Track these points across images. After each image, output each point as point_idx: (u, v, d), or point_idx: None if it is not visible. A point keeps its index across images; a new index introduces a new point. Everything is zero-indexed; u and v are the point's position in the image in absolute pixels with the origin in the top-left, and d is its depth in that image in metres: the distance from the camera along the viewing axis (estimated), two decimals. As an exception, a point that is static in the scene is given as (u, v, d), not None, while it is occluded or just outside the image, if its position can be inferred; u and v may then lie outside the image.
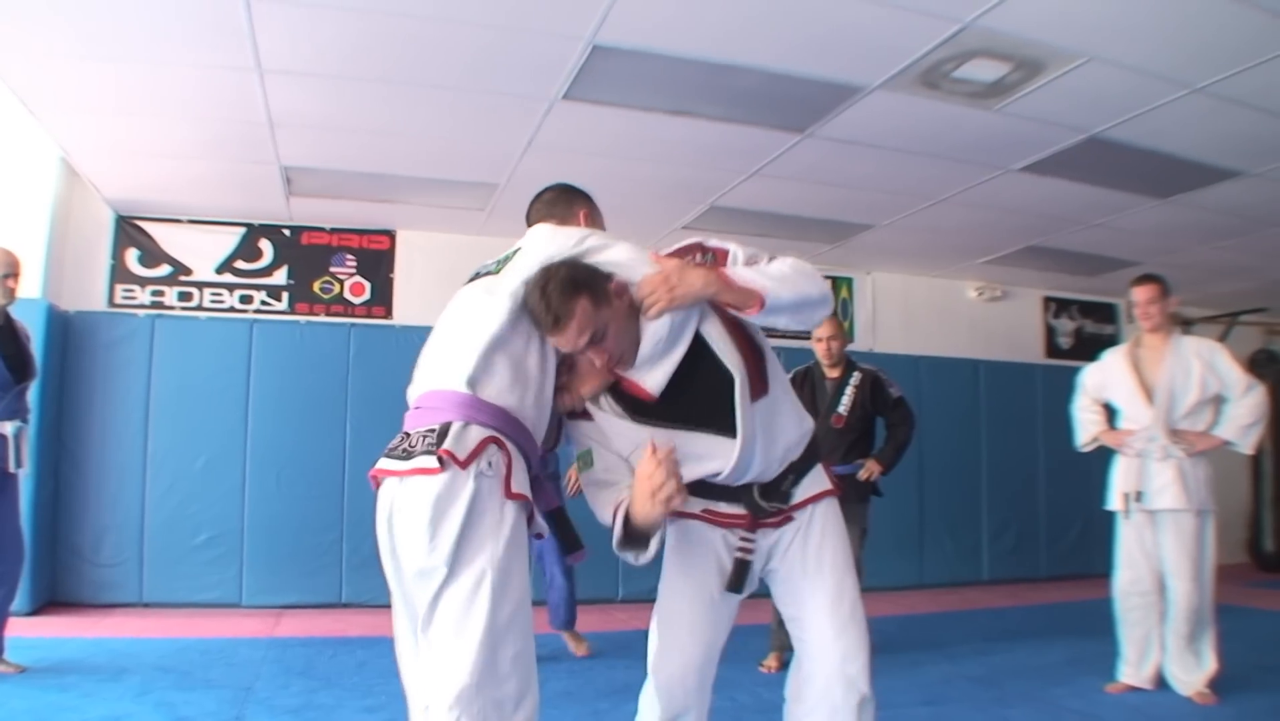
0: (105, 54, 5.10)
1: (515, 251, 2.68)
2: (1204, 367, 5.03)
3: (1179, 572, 4.95)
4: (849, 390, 5.83)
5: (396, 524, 2.39)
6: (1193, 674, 5.00)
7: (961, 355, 10.26)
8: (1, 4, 4.52)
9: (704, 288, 2.45)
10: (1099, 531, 10.23)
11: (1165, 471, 5.02)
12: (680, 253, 2.63)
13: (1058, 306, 11.12)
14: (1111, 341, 11.16)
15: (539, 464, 2.58)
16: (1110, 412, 5.47)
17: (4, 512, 5.19)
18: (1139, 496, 5.10)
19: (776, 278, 2.52)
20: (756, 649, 5.74)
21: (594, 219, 2.96)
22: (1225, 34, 4.67)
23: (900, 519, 9.10)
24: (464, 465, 2.30)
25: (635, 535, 2.53)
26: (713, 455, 2.58)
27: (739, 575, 2.67)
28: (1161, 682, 5.13)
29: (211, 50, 5.03)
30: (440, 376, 2.48)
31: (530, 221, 2.98)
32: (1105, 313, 11.34)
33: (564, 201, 2.96)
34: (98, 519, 7.43)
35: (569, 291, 2.39)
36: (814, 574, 2.69)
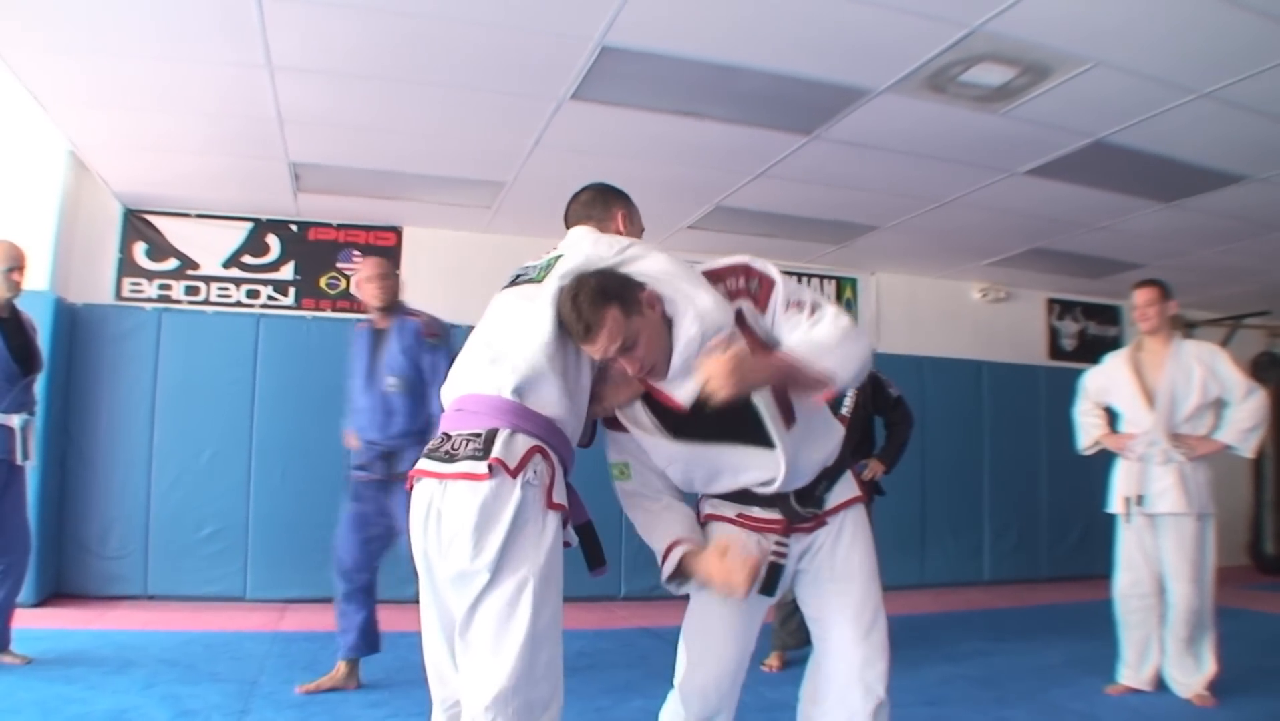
0: (116, 49, 5.13)
1: (557, 257, 2.67)
2: (1205, 372, 5.05)
3: (1179, 575, 4.97)
4: (850, 391, 5.85)
5: (435, 527, 2.42)
6: (1192, 676, 5.02)
7: (965, 356, 10.27)
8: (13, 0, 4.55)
9: (767, 381, 2.44)
10: (1100, 533, 10.22)
11: (1166, 475, 5.04)
12: (724, 273, 2.65)
13: (1062, 308, 11.14)
14: (1115, 344, 11.15)
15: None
16: (1111, 416, 5.49)
17: (10, 505, 5.23)
18: (1140, 500, 5.12)
19: (834, 352, 2.41)
20: (758, 648, 5.74)
21: (631, 219, 2.98)
22: (1230, 40, 4.69)
23: (902, 518, 9.10)
24: (514, 474, 2.34)
25: (685, 575, 2.64)
26: (749, 466, 2.62)
27: (772, 579, 2.69)
28: (1161, 685, 5.15)
29: (222, 46, 5.06)
30: (484, 380, 2.49)
31: (569, 222, 2.98)
32: (1109, 315, 11.35)
33: (601, 202, 2.96)
34: (103, 511, 7.46)
35: (599, 300, 2.41)
36: (841, 579, 2.73)
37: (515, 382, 2.43)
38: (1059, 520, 10.24)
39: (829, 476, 2.74)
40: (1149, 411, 5.15)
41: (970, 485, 9.99)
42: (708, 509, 2.82)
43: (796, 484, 2.66)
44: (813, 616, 2.81)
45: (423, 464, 2.48)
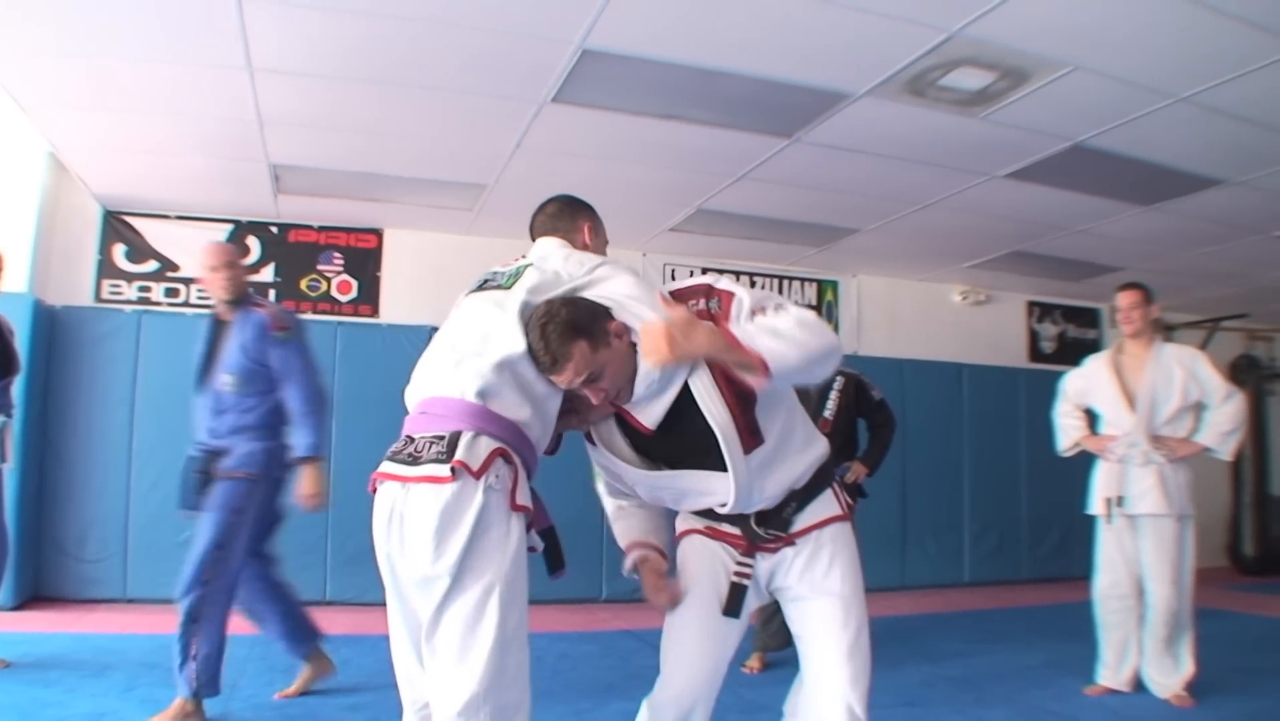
0: (96, 50, 5.11)
1: (526, 266, 2.67)
2: (1185, 375, 5.09)
3: (1158, 576, 5.01)
4: (834, 394, 5.87)
5: (398, 530, 2.41)
6: (1170, 677, 5.06)
7: (945, 359, 10.31)
8: (-9, 0, 4.53)
9: (707, 349, 2.38)
10: (1080, 535, 10.28)
11: (1146, 477, 5.08)
12: (686, 293, 2.58)
13: (1041, 311, 11.19)
14: (1095, 346, 11.25)
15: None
16: (1092, 418, 5.53)
17: (-11, 508, 5.20)
18: (1120, 501, 5.16)
19: (784, 337, 2.38)
20: (739, 650, 5.76)
21: (597, 232, 2.97)
22: (1208, 46, 4.73)
23: (883, 521, 9.13)
24: (477, 476, 2.34)
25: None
26: (714, 491, 2.60)
27: (734, 599, 2.70)
28: (1139, 685, 5.18)
29: (202, 48, 5.05)
30: (448, 384, 2.49)
31: (534, 234, 2.98)
32: (1088, 317, 11.41)
33: (568, 215, 2.96)
34: (82, 514, 7.43)
35: (568, 335, 2.41)
36: (822, 597, 2.69)
37: (479, 386, 2.43)
38: (1039, 522, 10.29)
39: (798, 498, 2.70)
40: (1130, 414, 5.19)
41: (951, 487, 10.03)
42: (681, 524, 2.86)
43: (752, 507, 2.65)
44: (798, 635, 2.78)
45: (385, 466, 2.47)
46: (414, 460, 2.39)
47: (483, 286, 2.72)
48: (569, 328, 2.41)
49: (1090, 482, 5.43)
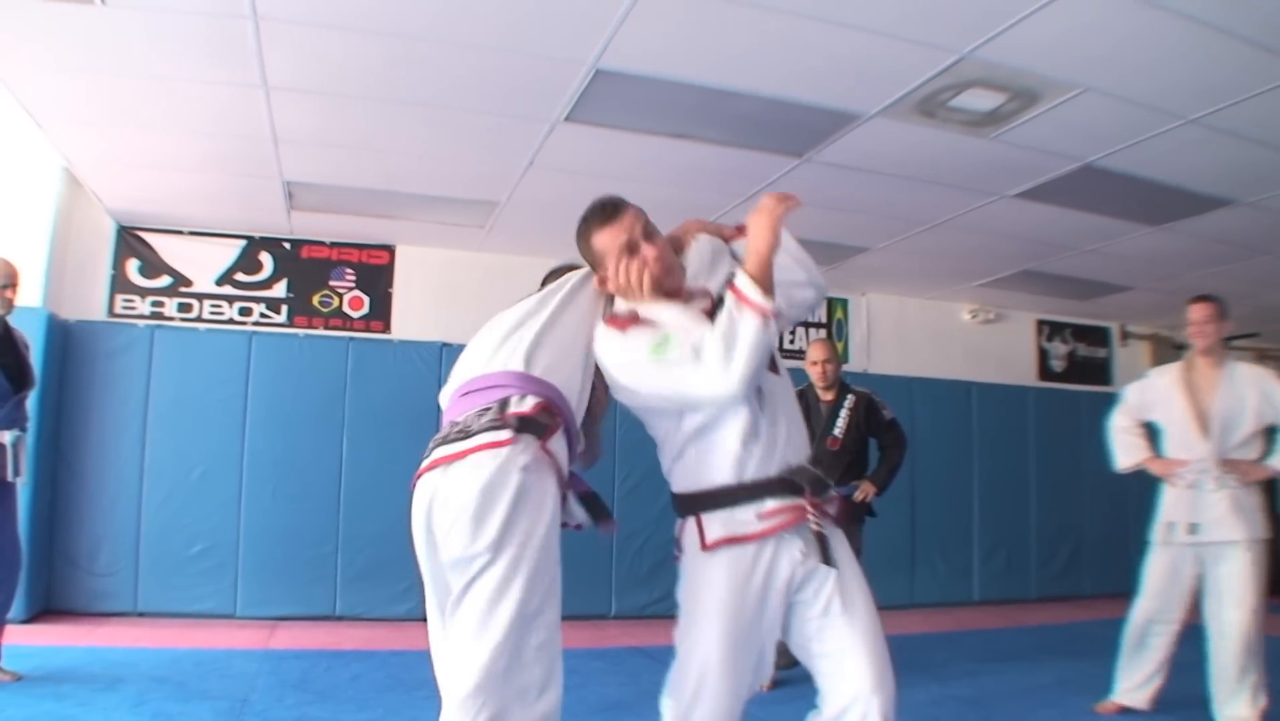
0: (112, 68, 5.16)
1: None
2: (1259, 398, 4.87)
3: (1238, 603, 4.76)
4: (844, 412, 5.89)
5: (439, 514, 2.41)
6: (1246, 710, 4.74)
7: (955, 377, 10.31)
8: (9, 17, 4.57)
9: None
10: (1089, 554, 10.35)
11: (1220, 502, 4.85)
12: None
13: (1051, 330, 11.18)
14: (1104, 365, 11.27)
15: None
16: (1150, 433, 5.32)
17: (2, 521, 5.21)
18: (1192, 528, 4.92)
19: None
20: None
21: None
22: (1217, 68, 4.75)
23: (892, 539, 9.13)
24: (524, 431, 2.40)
25: None
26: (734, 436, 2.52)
27: (825, 548, 2.53)
28: (1159, 705, 5.06)
29: (218, 66, 5.09)
30: (490, 362, 2.55)
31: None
32: (1098, 336, 11.41)
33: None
34: (94, 528, 7.45)
35: (620, 201, 2.65)
36: (848, 610, 2.53)
37: (524, 352, 2.50)
38: (1048, 541, 10.27)
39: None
40: (1202, 438, 4.96)
41: (960, 505, 10.01)
42: (716, 530, 2.54)
43: (778, 451, 2.58)
44: (818, 653, 2.57)
45: (437, 452, 2.46)
46: (465, 434, 2.41)
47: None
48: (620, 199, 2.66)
49: (1156, 505, 5.18)
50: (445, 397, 2.64)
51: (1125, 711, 5.14)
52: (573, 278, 2.75)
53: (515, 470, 2.34)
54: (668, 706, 2.61)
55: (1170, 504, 5.09)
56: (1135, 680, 5.15)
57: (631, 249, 2.59)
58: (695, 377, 2.39)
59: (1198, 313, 5.08)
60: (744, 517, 2.52)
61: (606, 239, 2.61)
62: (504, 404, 2.42)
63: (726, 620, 2.49)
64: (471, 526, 2.32)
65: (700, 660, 2.52)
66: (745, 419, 2.51)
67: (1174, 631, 5.03)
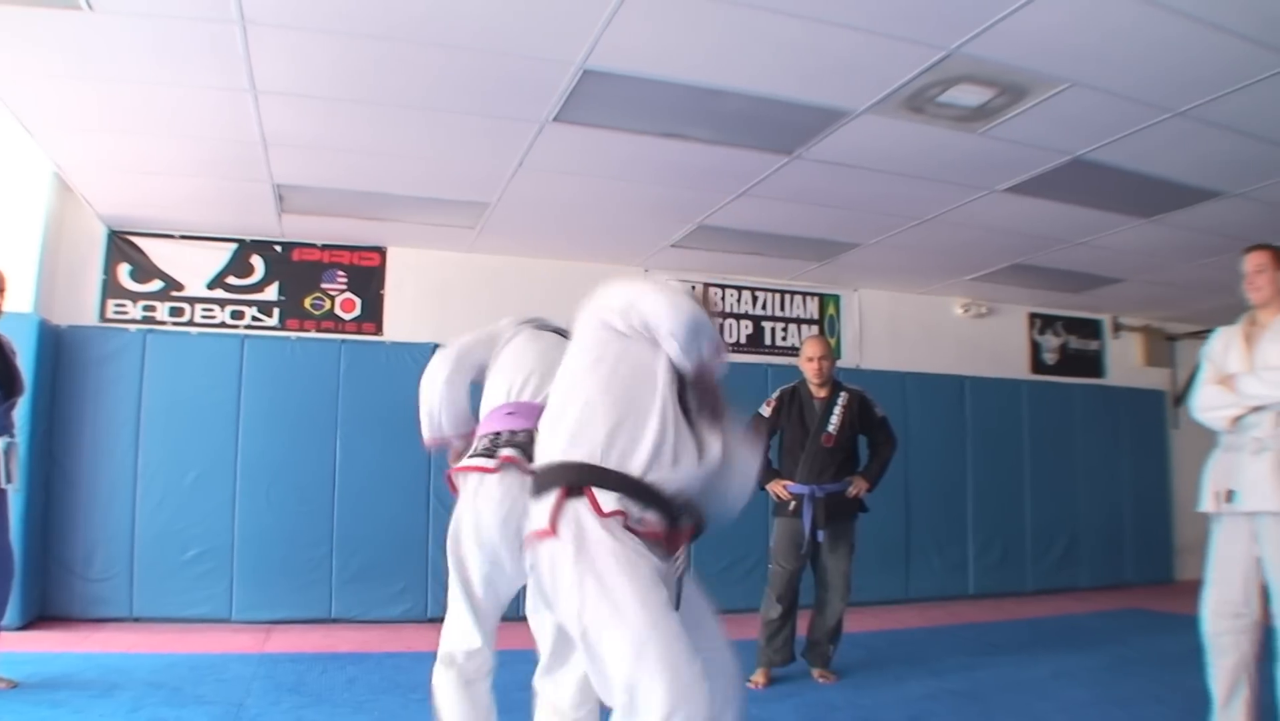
0: (103, 74, 5.15)
1: None
2: None
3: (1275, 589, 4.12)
4: (838, 409, 5.91)
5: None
6: None
7: (948, 371, 10.33)
8: (-1, 24, 4.57)
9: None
10: (1085, 546, 10.39)
11: (1258, 465, 4.20)
12: None
13: (1043, 323, 11.20)
14: (1096, 357, 11.32)
15: None
16: None
17: (-5, 528, 5.22)
18: (1230, 496, 4.29)
19: None
20: (744, 665, 5.77)
21: None
22: (1205, 60, 4.76)
23: (886, 534, 9.15)
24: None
25: None
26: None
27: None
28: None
29: (207, 71, 5.09)
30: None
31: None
32: (1090, 329, 11.43)
33: None
34: (88, 533, 7.44)
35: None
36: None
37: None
38: (1043, 534, 10.30)
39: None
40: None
41: (954, 499, 10.03)
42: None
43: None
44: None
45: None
46: None
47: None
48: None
49: (1202, 477, 4.54)
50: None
51: None
52: None
53: None
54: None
55: (1213, 470, 4.49)
56: (1221, 695, 4.33)
57: None
58: None
59: (1252, 263, 4.58)
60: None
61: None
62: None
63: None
64: None
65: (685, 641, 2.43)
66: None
67: (1244, 627, 4.25)
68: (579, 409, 2.59)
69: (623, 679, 2.33)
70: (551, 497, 2.49)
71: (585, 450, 2.52)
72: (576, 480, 2.49)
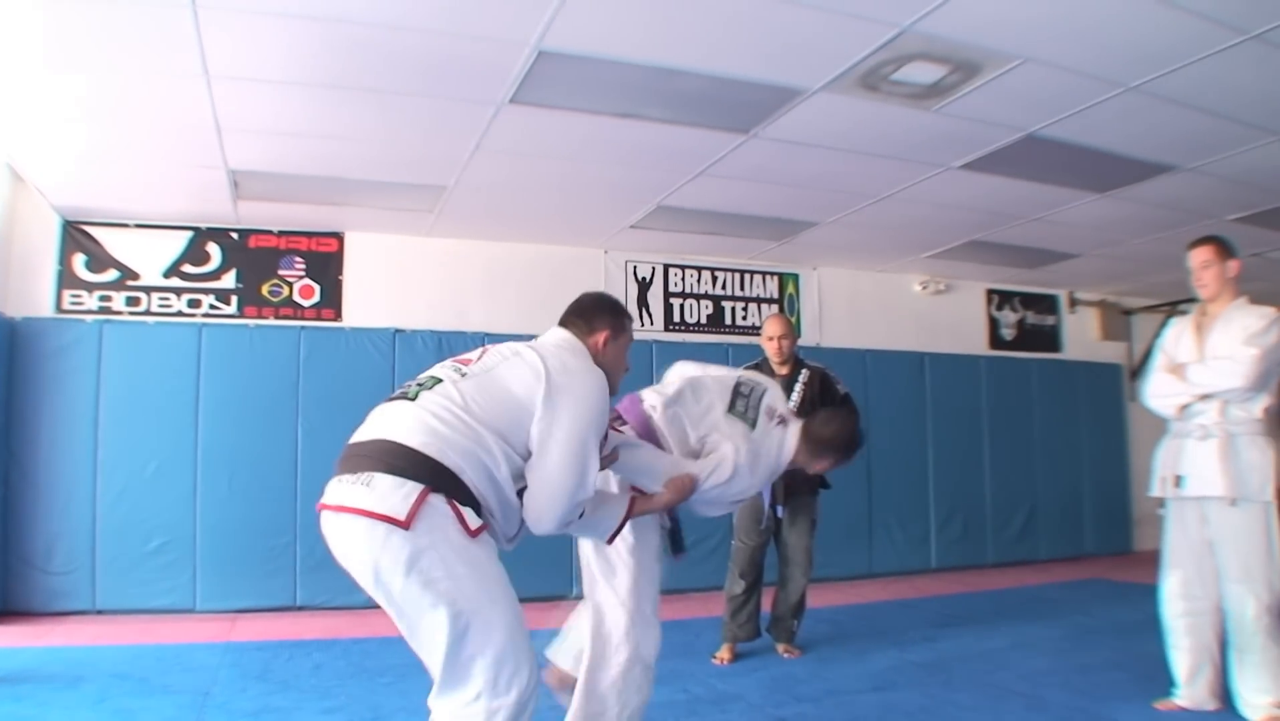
0: (51, 60, 5.08)
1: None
2: (1245, 337, 4.37)
3: (1226, 573, 4.33)
4: (799, 387, 5.94)
5: None
6: (1261, 696, 4.23)
7: (907, 348, 10.42)
8: (-57, 12, 4.50)
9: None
10: (1043, 519, 10.53)
11: (1205, 451, 4.39)
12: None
13: (1001, 299, 11.30)
14: (1054, 332, 11.43)
15: None
16: None
17: (-46, 523, 5.18)
18: (1178, 481, 4.47)
19: None
20: (709, 642, 5.83)
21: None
22: (1156, 36, 4.81)
23: (849, 509, 9.25)
24: None
25: None
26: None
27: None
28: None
29: (158, 56, 5.03)
30: None
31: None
32: (1047, 304, 11.55)
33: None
34: (48, 526, 7.37)
35: None
36: None
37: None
38: (1003, 507, 10.43)
39: None
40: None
41: (915, 475, 10.14)
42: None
43: None
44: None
45: None
46: None
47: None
48: None
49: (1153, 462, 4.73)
50: None
51: (1183, 711, 4.49)
52: None
53: None
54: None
55: (1162, 455, 4.67)
56: (1184, 676, 4.53)
57: None
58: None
59: (1196, 258, 4.71)
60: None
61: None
62: None
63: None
64: None
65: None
66: None
67: (1203, 610, 4.45)
68: None
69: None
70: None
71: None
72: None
